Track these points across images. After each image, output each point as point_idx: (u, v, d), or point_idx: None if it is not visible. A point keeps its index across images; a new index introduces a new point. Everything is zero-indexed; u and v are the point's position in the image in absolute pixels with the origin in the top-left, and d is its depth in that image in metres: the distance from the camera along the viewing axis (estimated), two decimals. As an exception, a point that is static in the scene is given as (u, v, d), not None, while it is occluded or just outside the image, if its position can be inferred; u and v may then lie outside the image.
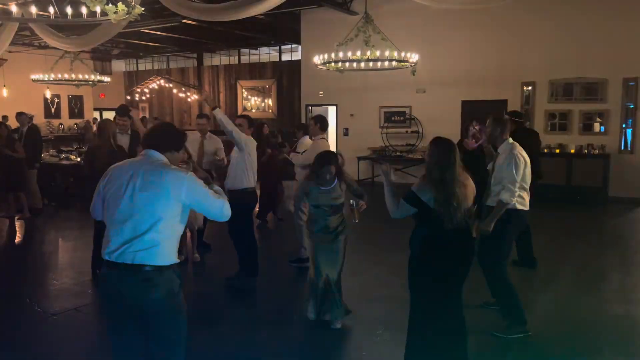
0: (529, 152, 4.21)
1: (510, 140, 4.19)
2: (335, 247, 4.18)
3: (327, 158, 4.11)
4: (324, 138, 5.95)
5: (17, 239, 7.55)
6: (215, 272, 5.94)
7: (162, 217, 2.45)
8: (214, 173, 5.88)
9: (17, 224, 8.22)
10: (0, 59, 12.73)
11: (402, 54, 8.70)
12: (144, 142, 2.71)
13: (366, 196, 4.37)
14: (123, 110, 6.14)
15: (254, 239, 5.41)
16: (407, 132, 12.34)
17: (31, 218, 8.48)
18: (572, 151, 10.31)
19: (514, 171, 3.95)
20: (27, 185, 8.65)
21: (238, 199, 4.78)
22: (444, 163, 3.07)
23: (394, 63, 9.00)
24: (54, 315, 4.50)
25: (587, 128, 10.53)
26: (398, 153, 12.34)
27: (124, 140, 6.01)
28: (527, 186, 4.13)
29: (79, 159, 10.34)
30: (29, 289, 5.21)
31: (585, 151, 10.25)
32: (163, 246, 2.47)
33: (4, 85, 14.81)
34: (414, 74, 9.44)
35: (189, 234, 6.16)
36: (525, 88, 11.01)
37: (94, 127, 11.75)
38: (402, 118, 12.46)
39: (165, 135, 2.71)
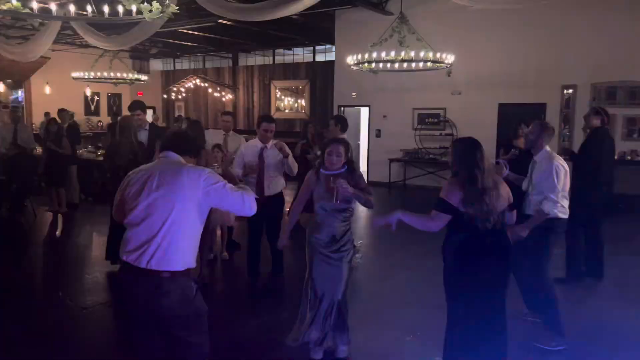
0: (601, 159, 4.10)
1: (548, 148, 4.10)
2: (337, 264, 3.50)
3: (335, 140, 3.65)
4: (345, 138, 6.02)
5: (55, 233, 7.76)
6: (243, 270, 5.94)
7: (178, 219, 2.42)
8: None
9: (54, 217, 8.45)
10: (43, 58, 13.11)
11: (438, 55, 8.55)
12: (162, 144, 2.70)
13: (372, 198, 3.63)
14: (133, 105, 6.08)
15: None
16: (440, 134, 12.13)
17: (68, 213, 8.71)
18: (615, 158, 9.89)
19: (555, 181, 3.85)
20: (68, 180, 8.91)
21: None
22: (470, 161, 2.96)
23: (429, 64, 8.85)
24: (84, 309, 4.57)
25: (630, 134, 10.11)
26: (431, 156, 12.14)
27: (142, 136, 5.99)
28: (567, 194, 4.02)
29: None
30: (62, 282, 5.33)
31: (629, 157, 9.84)
32: (177, 250, 2.43)
33: (47, 83, 15.31)
34: (449, 76, 9.28)
35: (219, 232, 6.19)
36: (565, 91, 10.64)
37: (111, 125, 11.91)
38: (436, 120, 12.26)
39: (185, 140, 2.70)
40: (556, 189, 3.86)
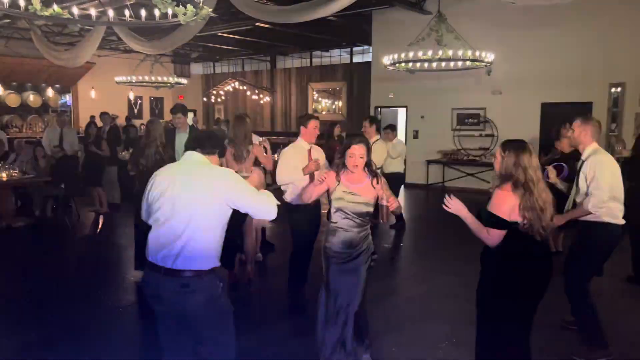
0: None
1: (595, 145, 3.81)
2: (356, 271, 3.29)
3: (356, 140, 3.37)
4: (379, 139, 5.97)
5: (96, 233, 7.99)
6: (276, 272, 5.93)
7: (201, 219, 2.42)
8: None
9: (95, 217, 8.72)
10: (89, 63, 13.58)
11: (477, 54, 8.34)
12: (187, 144, 2.70)
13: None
14: (175, 108, 6.18)
15: None
16: (480, 135, 11.84)
17: (109, 213, 8.97)
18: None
19: (602, 181, 3.57)
20: (107, 181, 9.18)
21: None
22: (525, 162, 2.74)
23: (467, 63, 8.65)
24: (120, 309, 4.67)
25: (684, 133, 9.57)
26: (471, 157, 11.87)
27: (182, 138, 6.02)
28: (620, 196, 3.71)
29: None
30: (101, 282, 5.46)
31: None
32: (202, 249, 2.43)
33: (93, 88, 15.85)
34: (489, 75, 9.05)
35: (253, 233, 6.20)
36: (613, 89, 10.18)
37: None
38: (476, 120, 11.97)
39: (209, 140, 2.69)
40: (601, 188, 3.57)
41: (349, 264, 3.27)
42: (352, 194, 3.24)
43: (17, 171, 7.99)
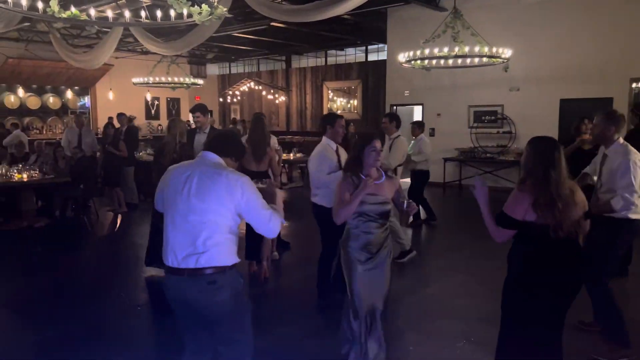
0: None
1: (622, 140, 3.72)
2: (380, 268, 3.24)
3: (369, 134, 3.31)
4: (400, 135, 5.98)
5: (114, 233, 8.09)
6: (292, 271, 5.94)
7: (217, 220, 2.43)
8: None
9: (114, 217, 8.83)
10: (107, 65, 13.76)
11: (494, 50, 8.24)
12: (206, 144, 2.71)
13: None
14: (194, 108, 6.24)
15: None
16: (498, 132, 11.70)
17: (128, 212, 9.07)
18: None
19: (632, 178, 3.50)
20: (124, 181, 9.29)
21: None
22: (548, 160, 2.69)
23: (484, 59, 8.56)
24: (138, 307, 4.71)
25: None
26: (488, 154, 11.74)
27: (203, 138, 6.06)
28: None
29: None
30: (120, 280, 5.52)
31: None
32: (223, 246, 2.45)
33: (111, 89, 16.05)
34: (506, 71, 8.92)
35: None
36: (634, 84, 9.98)
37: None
38: (493, 118, 11.84)
39: (226, 142, 2.68)
40: (632, 187, 3.51)
41: (372, 265, 3.20)
42: (372, 195, 3.16)
43: (37, 172, 8.12)
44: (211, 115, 18.62)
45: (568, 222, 2.67)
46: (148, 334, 4.23)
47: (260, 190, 2.63)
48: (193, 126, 7.06)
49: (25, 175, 7.85)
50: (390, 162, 5.67)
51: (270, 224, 2.52)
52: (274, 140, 6.42)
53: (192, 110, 6.16)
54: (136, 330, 4.26)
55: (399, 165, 6.07)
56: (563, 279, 2.74)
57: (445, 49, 8.06)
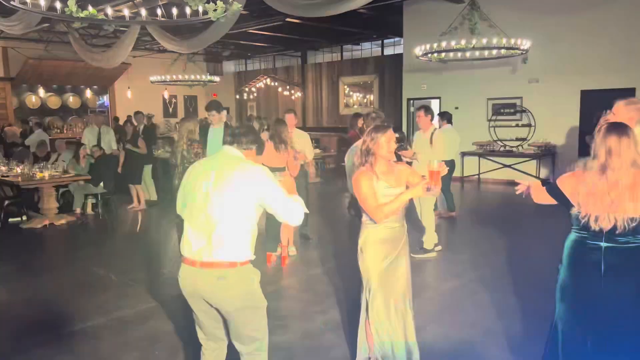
0: None
1: None
2: (400, 262, 3.15)
3: (382, 126, 3.16)
4: (436, 129, 6.05)
5: (134, 229, 8.18)
6: (311, 265, 5.94)
7: (234, 213, 2.43)
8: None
9: (134, 214, 8.93)
10: (125, 64, 13.90)
11: (512, 41, 8.12)
12: (224, 139, 2.71)
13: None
14: (209, 105, 6.27)
15: None
16: (517, 125, 11.54)
17: (147, 210, 9.18)
18: None
19: None
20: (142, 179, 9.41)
21: None
22: (615, 149, 2.47)
23: (502, 51, 8.44)
24: (158, 303, 4.75)
25: None
26: (507, 147, 11.59)
27: (215, 135, 6.02)
28: None
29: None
30: (138, 276, 5.58)
31: None
32: (238, 242, 2.45)
33: (129, 88, 16.23)
34: (525, 62, 8.81)
35: (290, 226, 6.24)
36: (658, 74, 9.75)
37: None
38: (512, 110, 11.67)
39: (246, 136, 2.67)
40: None
41: (394, 260, 3.10)
42: (389, 188, 3.03)
43: (58, 170, 8.26)
44: (228, 112, 18.73)
45: (617, 215, 2.46)
46: (166, 329, 4.27)
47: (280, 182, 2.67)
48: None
49: (47, 174, 7.99)
50: (432, 158, 5.58)
51: (294, 211, 2.52)
52: (304, 141, 6.53)
53: (208, 109, 6.21)
54: (154, 326, 4.30)
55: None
56: (597, 284, 2.53)
57: (463, 42, 7.97)
